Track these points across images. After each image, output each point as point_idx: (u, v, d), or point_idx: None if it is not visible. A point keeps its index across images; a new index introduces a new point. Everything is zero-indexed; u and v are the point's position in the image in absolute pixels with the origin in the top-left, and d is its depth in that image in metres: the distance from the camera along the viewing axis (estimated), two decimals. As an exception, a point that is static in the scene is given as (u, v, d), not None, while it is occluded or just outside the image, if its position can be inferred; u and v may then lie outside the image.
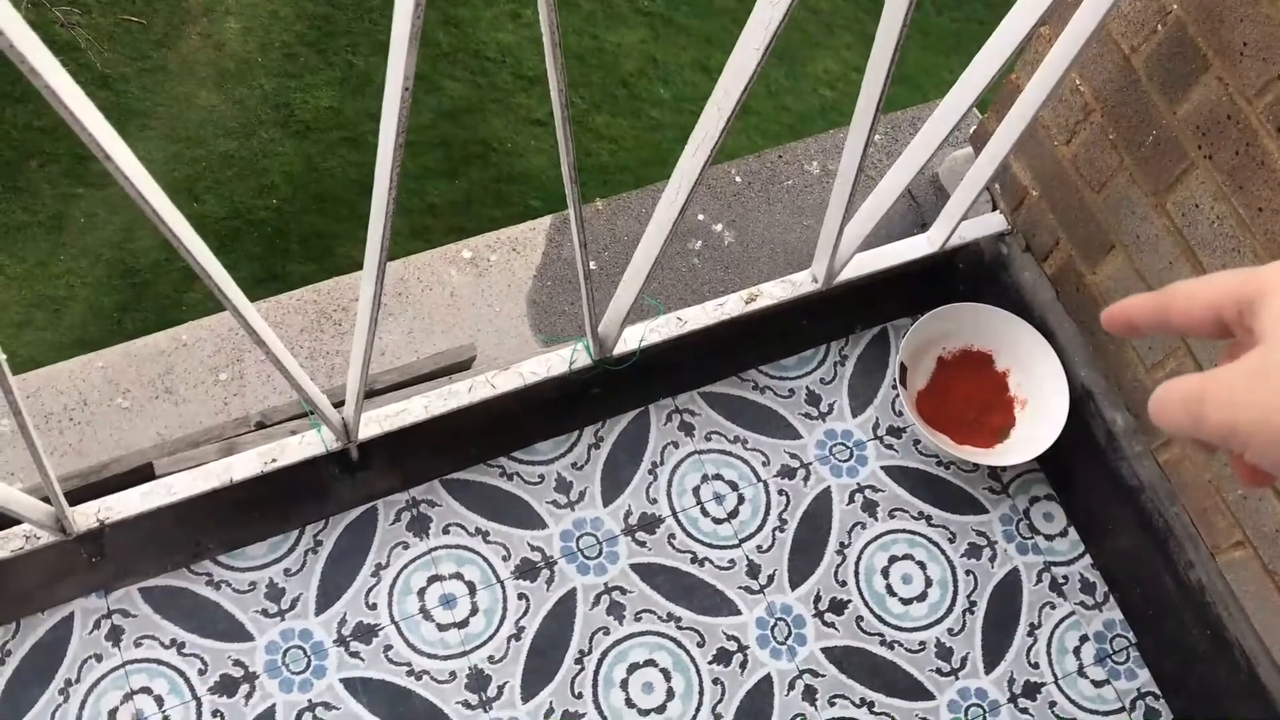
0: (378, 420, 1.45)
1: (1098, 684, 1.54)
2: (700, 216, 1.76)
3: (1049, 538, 1.61)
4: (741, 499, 1.58)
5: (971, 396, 1.66)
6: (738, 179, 1.82)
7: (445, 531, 1.51)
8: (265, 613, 1.44)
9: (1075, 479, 1.65)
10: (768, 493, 1.59)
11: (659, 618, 1.50)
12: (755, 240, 1.76)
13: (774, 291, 1.59)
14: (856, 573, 1.56)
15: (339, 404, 1.40)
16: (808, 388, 1.66)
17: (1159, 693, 1.54)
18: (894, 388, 1.62)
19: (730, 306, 1.58)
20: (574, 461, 1.57)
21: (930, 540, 1.59)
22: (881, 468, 1.63)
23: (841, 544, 1.57)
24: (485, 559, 1.50)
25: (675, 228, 1.27)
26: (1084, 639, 1.56)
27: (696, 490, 1.58)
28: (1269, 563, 1.38)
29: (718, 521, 1.57)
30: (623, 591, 1.50)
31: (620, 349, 1.53)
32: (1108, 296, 1.50)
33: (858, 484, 1.61)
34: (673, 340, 1.56)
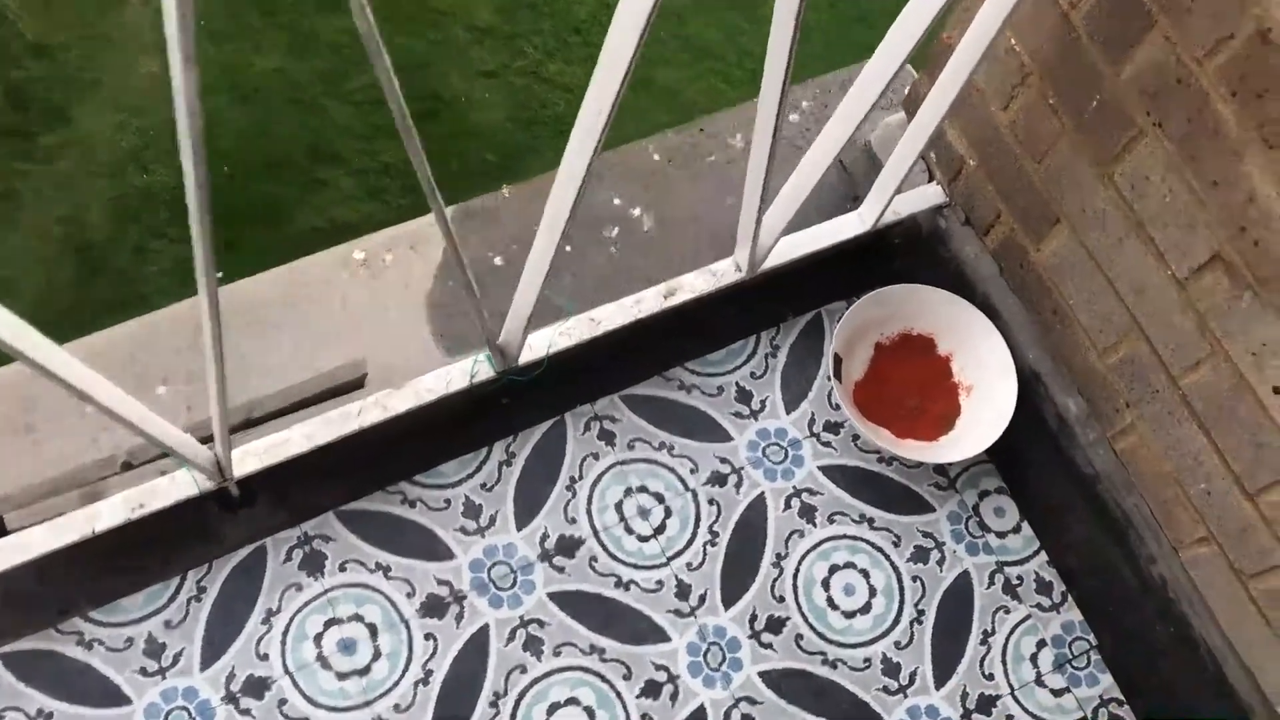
0: (256, 454, 1.32)
1: (1057, 693, 1.45)
2: (616, 201, 1.63)
3: (1001, 535, 1.51)
4: (669, 512, 1.47)
5: (913, 384, 1.55)
6: (656, 156, 1.69)
7: (342, 569, 1.38)
8: (144, 671, 1.31)
9: (1027, 470, 1.55)
10: (697, 503, 1.48)
11: (581, 651, 1.38)
12: (678, 223, 1.64)
13: (695, 284, 1.47)
14: (795, 586, 1.46)
15: (209, 439, 1.26)
16: (737, 384, 1.54)
17: (1122, 698, 1.45)
18: (829, 379, 1.51)
19: (648, 302, 1.45)
20: (483, 482, 1.45)
21: (873, 545, 1.49)
22: (819, 468, 1.52)
23: (778, 555, 1.47)
24: (387, 597, 1.38)
25: (567, 228, 1.14)
26: (1041, 644, 1.47)
27: (619, 505, 1.46)
28: (1235, 561, 1.29)
29: (643, 539, 1.45)
30: (540, 624, 1.39)
31: (527, 357, 1.40)
32: (1055, 273, 1.39)
33: (794, 487, 1.50)
34: (586, 342, 1.43)
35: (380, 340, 1.52)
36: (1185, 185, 1.14)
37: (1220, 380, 1.21)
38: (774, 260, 1.49)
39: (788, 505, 1.49)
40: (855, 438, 1.54)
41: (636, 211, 1.63)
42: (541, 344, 1.41)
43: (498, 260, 1.58)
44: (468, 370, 1.38)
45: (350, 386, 1.45)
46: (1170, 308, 1.24)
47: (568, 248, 1.59)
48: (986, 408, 1.51)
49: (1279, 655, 1.30)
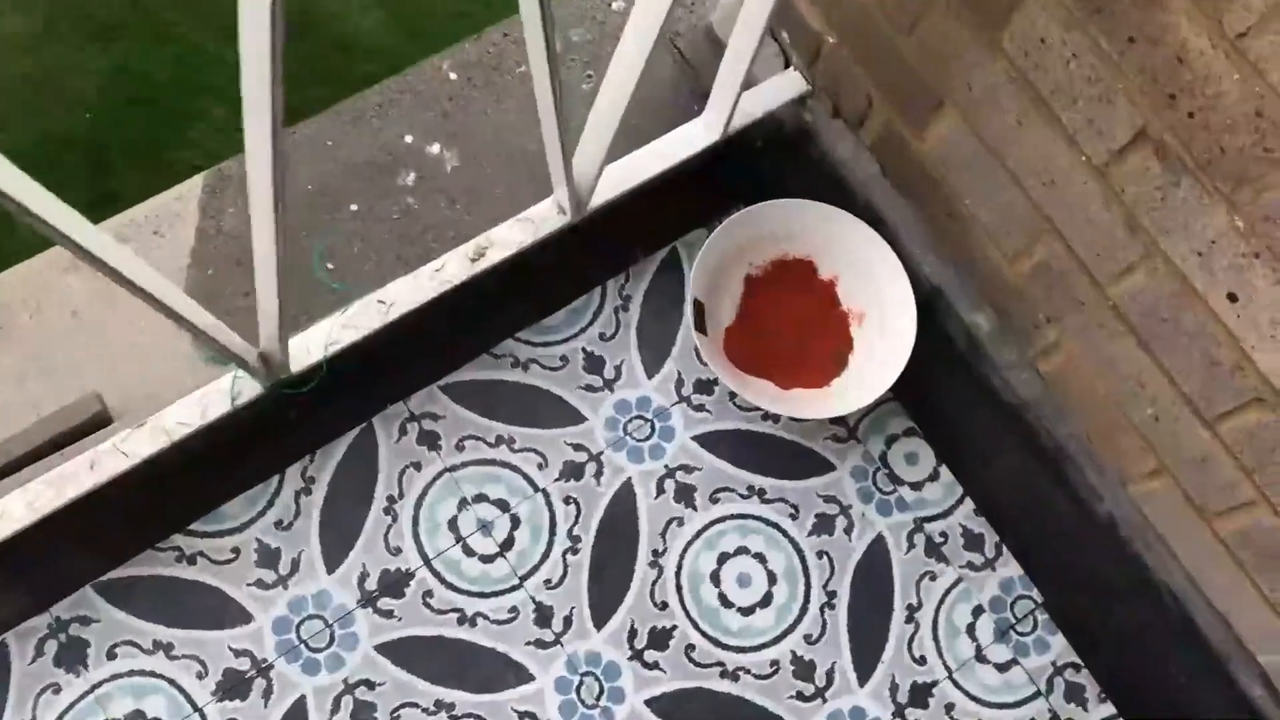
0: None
1: (1002, 667, 1.23)
2: (408, 138, 1.33)
3: (916, 486, 1.28)
4: (516, 521, 1.20)
5: (793, 320, 1.29)
6: (453, 75, 1.38)
7: (111, 656, 1.10)
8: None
9: (939, 404, 1.31)
10: (550, 505, 1.21)
11: (424, 710, 1.13)
12: (490, 157, 1.34)
13: (510, 237, 1.18)
14: (679, 587, 1.21)
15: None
16: (585, 350, 1.27)
17: (1079, 661, 1.24)
18: (695, 328, 1.24)
19: (453, 269, 1.16)
20: (278, 520, 1.17)
21: (767, 522, 1.24)
22: (693, 438, 1.26)
23: (655, 553, 1.21)
24: (175, 685, 1.10)
25: (280, 209, 0.85)
26: (978, 611, 1.24)
27: (454, 523, 1.19)
28: (1196, 498, 1.06)
29: (487, 559, 1.19)
30: (370, 685, 1.13)
31: (303, 362, 1.11)
32: (944, 167, 1.12)
33: (665, 467, 1.24)
34: (381, 330, 1.14)
35: (125, 359, 1.21)
36: (1093, 46, 0.87)
37: (1159, 286, 0.96)
38: (605, 194, 1.20)
39: (660, 489, 1.23)
40: (733, 395, 1.27)
41: (435, 148, 1.33)
42: (317, 343, 1.12)
43: (267, 236, 1.27)
44: (227, 391, 1.09)
45: (91, 426, 1.15)
46: (1089, 201, 0.98)
47: (352, 206, 1.29)
48: (883, 337, 1.26)
49: (1255, 599, 1.09)
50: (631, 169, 1.22)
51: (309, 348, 1.12)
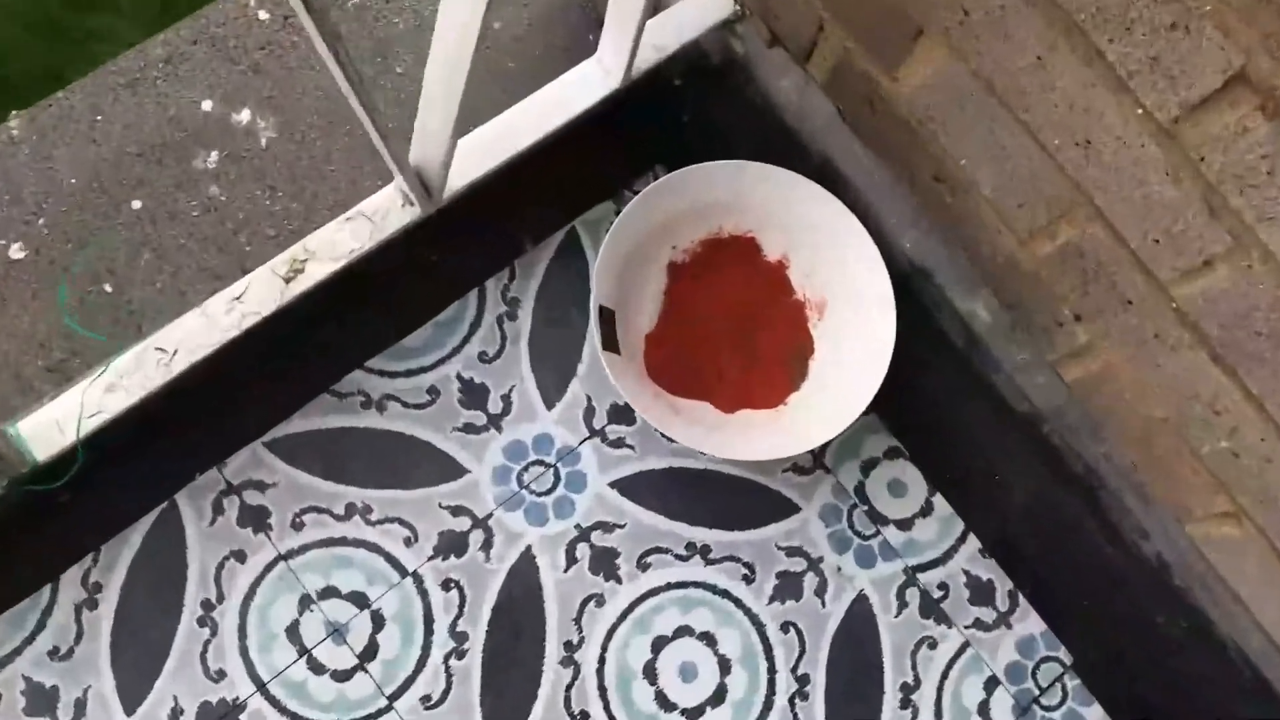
0: None
1: (1025, 759, 0.96)
2: (206, 105, 1.00)
3: (904, 524, 0.99)
4: (379, 620, 0.91)
5: (734, 316, 0.99)
6: (263, 15, 1.04)
7: None
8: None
9: (928, 415, 1.01)
10: (424, 593, 0.92)
11: None
12: (317, 124, 1.01)
13: (337, 244, 0.86)
14: (602, 688, 0.92)
15: None
16: (460, 377, 0.96)
17: (1121, 740, 0.98)
18: (603, 346, 0.93)
19: (257, 295, 0.85)
20: (52, 648, 0.87)
21: (715, 589, 0.95)
22: (612, 485, 0.96)
23: (568, 645, 0.93)
24: None
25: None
26: (992, 684, 0.97)
27: (295, 629, 0.90)
28: (1286, 552, 0.79)
29: (343, 676, 0.90)
30: None
31: (55, 446, 0.80)
32: (928, 115, 0.81)
33: (577, 527, 0.95)
34: (164, 388, 0.83)
35: None
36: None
37: (1252, 291, 0.67)
38: (467, 172, 0.89)
39: (571, 558, 0.94)
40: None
41: (244, 116, 0.99)
42: (71, 416, 0.80)
43: (16, 250, 0.95)
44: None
45: None
46: (1146, 170, 0.68)
47: (134, 203, 0.96)
48: (853, 333, 0.96)
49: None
50: (502, 135, 0.90)
51: (59, 425, 0.80)
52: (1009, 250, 0.84)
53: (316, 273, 0.85)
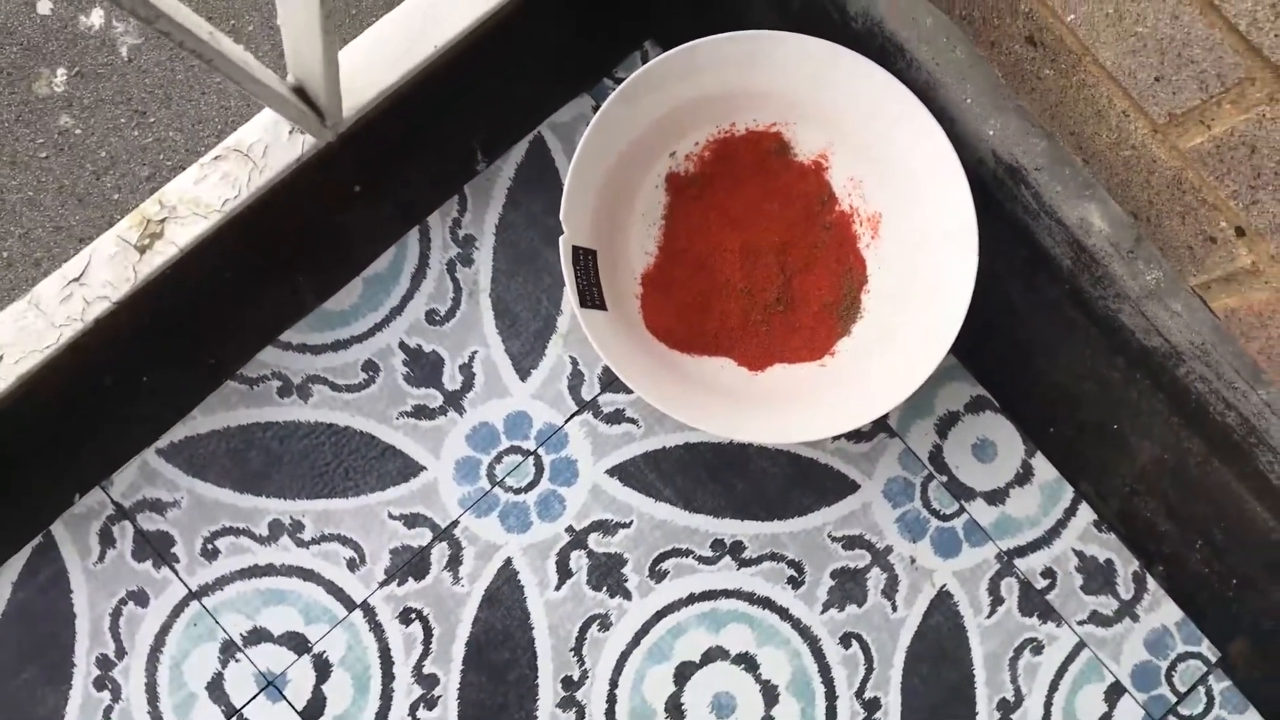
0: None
1: (1164, 792, 0.77)
2: (43, 6, 0.77)
3: (995, 496, 0.78)
4: (324, 666, 0.73)
5: (758, 241, 0.76)
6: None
7: None
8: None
9: (1024, 353, 0.79)
10: (379, 629, 0.74)
11: None
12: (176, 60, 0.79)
13: (205, 195, 0.65)
14: (614, 737, 0.75)
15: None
16: (405, 346, 0.76)
17: (1289, 761, 0.78)
18: (580, 303, 0.72)
19: (101, 279, 0.65)
20: (-91, 733, 0.70)
21: (753, 598, 0.76)
22: (610, 473, 0.76)
23: (568, 682, 0.75)
24: None
25: None
26: (1115, 692, 0.77)
27: (218, 685, 0.73)
28: None
29: (282, 742, 0.73)
30: None
31: None
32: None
33: (569, 530, 0.76)
34: (9, 398, 0.64)
35: None
36: None
37: None
38: (380, 79, 0.67)
39: (565, 572, 0.75)
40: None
41: (95, 19, 0.77)
42: None
43: None
44: None
45: None
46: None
47: (-39, 151, 0.75)
48: (920, 254, 0.74)
49: None
50: (421, 24, 0.67)
51: None
52: (1138, 140, 0.60)
53: (180, 236, 0.64)
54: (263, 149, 0.65)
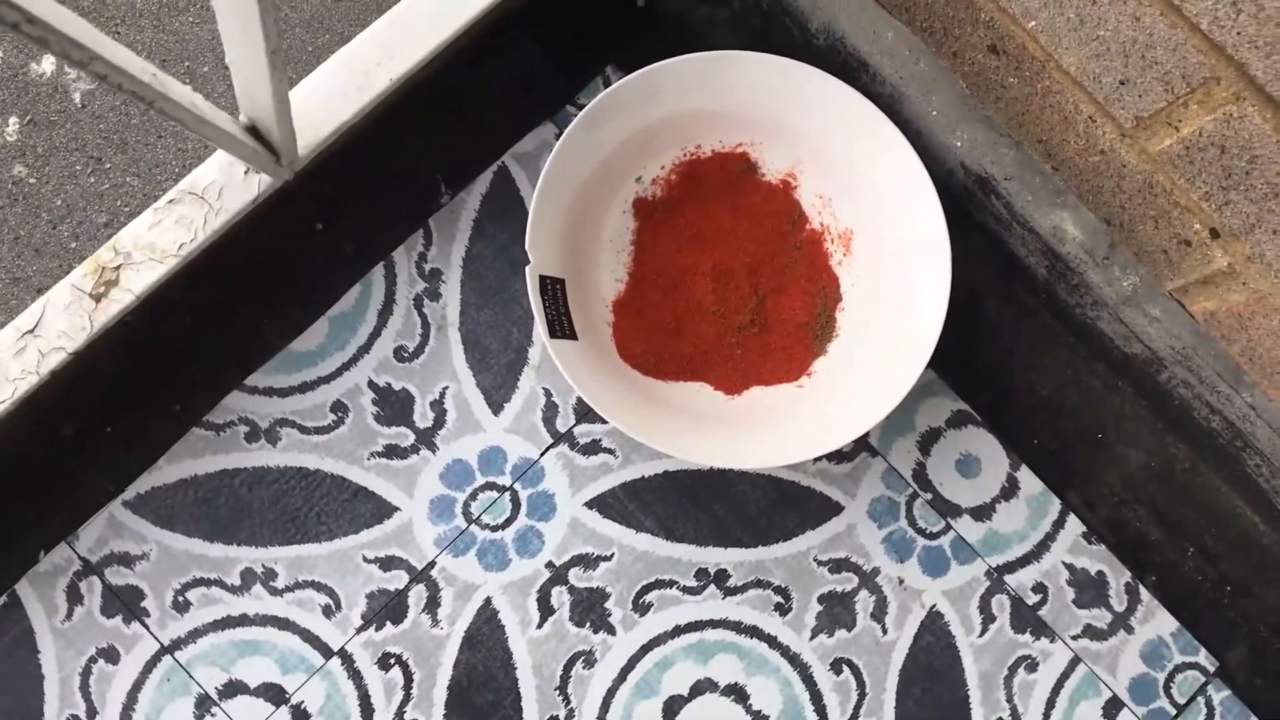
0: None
1: (1167, 808, 0.76)
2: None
3: (982, 512, 0.77)
4: (302, 716, 0.72)
5: (729, 263, 0.76)
6: None
7: None
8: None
9: (1002, 364, 0.78)
10: (357, 676, 0.72)
11: None
12: (157, 62, 0.78)
13: (160, 240, 0.64)
14: (604, 777, 0.73)
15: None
16: (373, 385, 0.75)
17: (1292, 770, 0.77)
18: (549, 334, 0.71)
19: (57, 327, 0.63)
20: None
21: (740, 627, 0.75)
22: (590, 504, 0.75)
23: (553, 724, 0.73)
24: None
25: None
26: (1114, 708, 0.76)
27: (192, 742, 0.71)
28: None
29: (261, 798, 0.71)
30: None
31: None
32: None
33: (549, 566, 0.74)
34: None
35: None
36: None
37: None
38: (337, 114, 0.66)
39: (546, 609, 0.74)
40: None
41: (46, 66, 0.76)
42: None
43: None
44: None
45: None
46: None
47: (-87, 205, 0.74)
48: (893, 269, 0.73)
49: None
50: (377, 58, 0.67)
51: None
52: (1106, 145, 0.60)
53: (136, 283, 0.63)
54: (218, 190, 0.64)
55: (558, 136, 0.77)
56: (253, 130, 0.61)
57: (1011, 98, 0.64)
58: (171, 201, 0.64)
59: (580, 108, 0.77)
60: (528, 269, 0.68)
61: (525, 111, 0.78)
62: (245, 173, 0.64)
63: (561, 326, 0.70)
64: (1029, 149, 0.67)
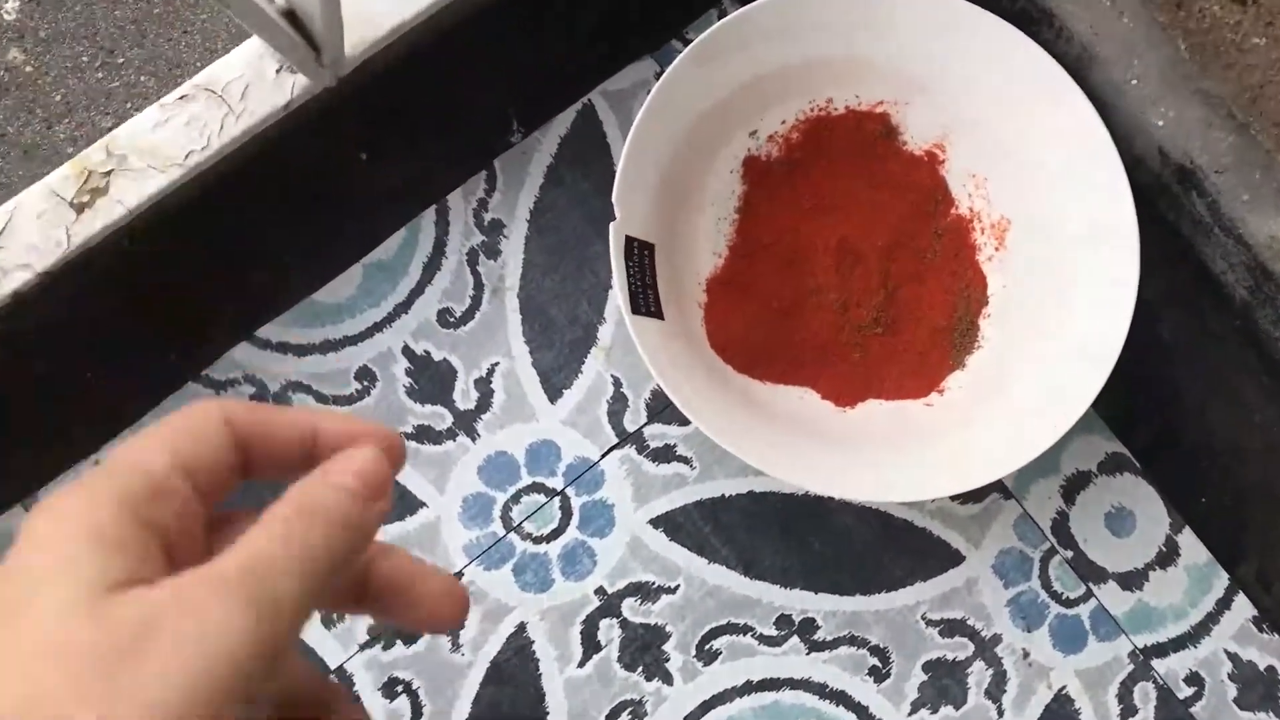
0: None
1: None
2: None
3: (1132, 580, 0.64)
4: (284, 744, 0.60)
5: (854, 246, 0.62)
6: None
7: None
8: None
9: (1180, 407, 0.65)
10: (356, 700, 0.60)
11: None
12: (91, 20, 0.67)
13: (165, 144, 0.52)
14: None
15: None
16: (409, 352, 0.63)
17: None
18: (631, 308, 0.58)
19: (24, 240, 0.51)
20: None
21: (825, 693, 0.62)
22: (656, 523, 0.63)
23: (587, 786, 0.60)
24: None
25: None
26: (1277, 846, 0.63)
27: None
28: None
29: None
30: None
31: None
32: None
33: (600, 591, 0.62)
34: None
35: None
36: None
37: None
38: (396, 9, 0.54)
39: (593, 643, 0.61)
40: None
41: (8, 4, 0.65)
42: None
43: None
44: None
45: None
46: None
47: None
48: (1058, 273, 0.60)
49: None
50: (453, -58, 0.55)
51: None
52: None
53: (129, 194, 0.51)
54: (242, 89, 0.52)
55: (658, 75, 0.65)
56: (290, 16, 0.49)
57: (1250, 64, 0.51)
58: (184, 98, 0.52)
59: (688, 43, 0.64)
60: (612, 226, 0.55)
61: (622, 42, 0.65)
62: (277, 70, 0.52)
63: (646, 301, 0.57)
64: (1260, 134, 0.53)
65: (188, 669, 0.22)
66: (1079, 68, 0.59)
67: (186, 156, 0.52)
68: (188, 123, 0.52)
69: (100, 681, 0.21)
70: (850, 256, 0.62)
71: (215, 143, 0.52)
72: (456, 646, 0.61)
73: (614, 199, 0.56)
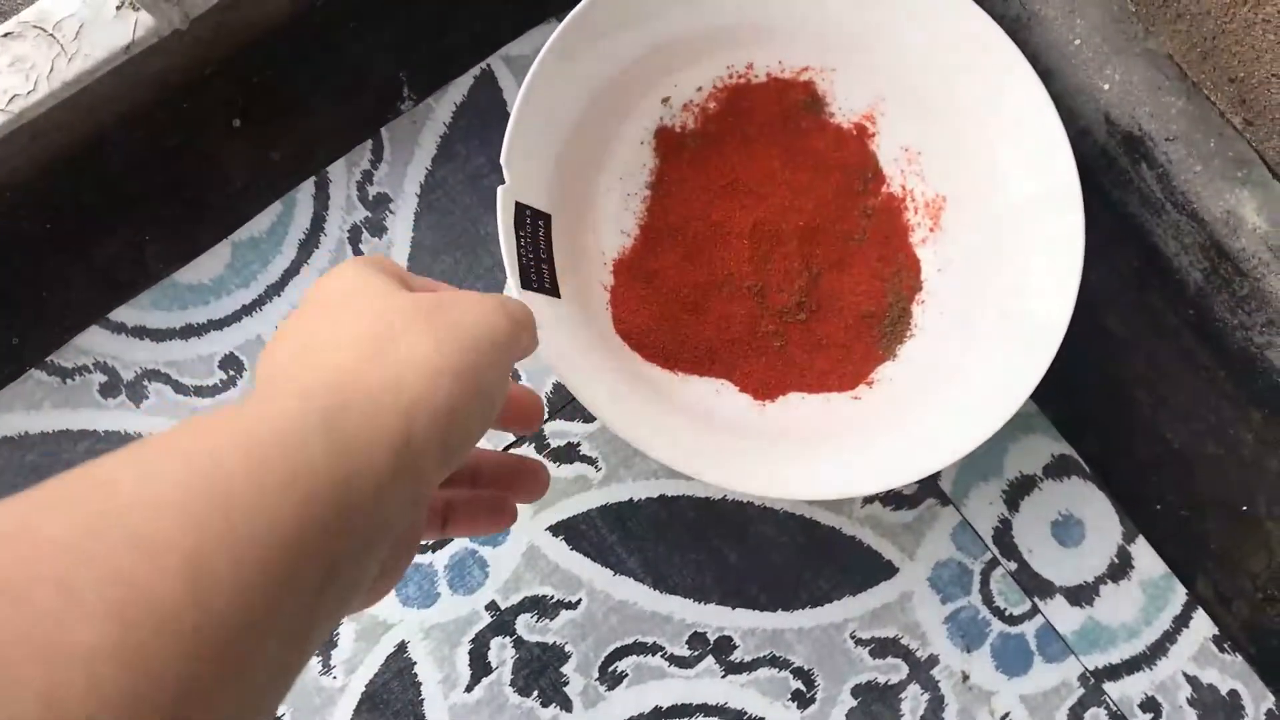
0: None
1: None
2: None
3: (1081, 594, 0.59)
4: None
5: (775, 225, 0.57)
6: None
7: None
8: None
9: (1132, 405, 0.60)
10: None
11: None
12: None
13: None
14: None
15: None
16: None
17: None
18: (521, 282, 0.52)
19: None
20: None
21: (737, 715, 0.56)
22: (554, 530, 0.57)
23: (473, 827, 0.54)
24: None
25: None
26: None
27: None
28: None
29: None
30: None
31: None
32: None
33: (492, 607, 0.56)
34: None
35: None
36: None
37: None
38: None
39: (482, 664, 0.55)
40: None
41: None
42: None
43: None
44: None
45: None
46: None
47: None
48: (998, 254, 0.55)
49: None
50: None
51: None
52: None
53: (-59, 142, 0.45)
54: (76, 27, 0.46)
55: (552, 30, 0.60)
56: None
57: (1203, 13, 0.46)
58: (7, 35, 0.46)
59: None
60: (500, 190, 0.50)
61: (525, 2, 0.60)
62: (118, 7, 0.47)
63: (539, 276, 0.51)
64: (1212, 94, 0.49)
65: (474, 321, 0.32)
66: (1017, 28, 0.55)
67: (9, 101, 0.46)
68: (12, 63, 0.46)
69: (422, 319, 0.31)
70: (767, 241, 0.57)
71: (44, 87, 0.46)
72: (328, 668, 0.54)
73: (503, 160, 0.50)
